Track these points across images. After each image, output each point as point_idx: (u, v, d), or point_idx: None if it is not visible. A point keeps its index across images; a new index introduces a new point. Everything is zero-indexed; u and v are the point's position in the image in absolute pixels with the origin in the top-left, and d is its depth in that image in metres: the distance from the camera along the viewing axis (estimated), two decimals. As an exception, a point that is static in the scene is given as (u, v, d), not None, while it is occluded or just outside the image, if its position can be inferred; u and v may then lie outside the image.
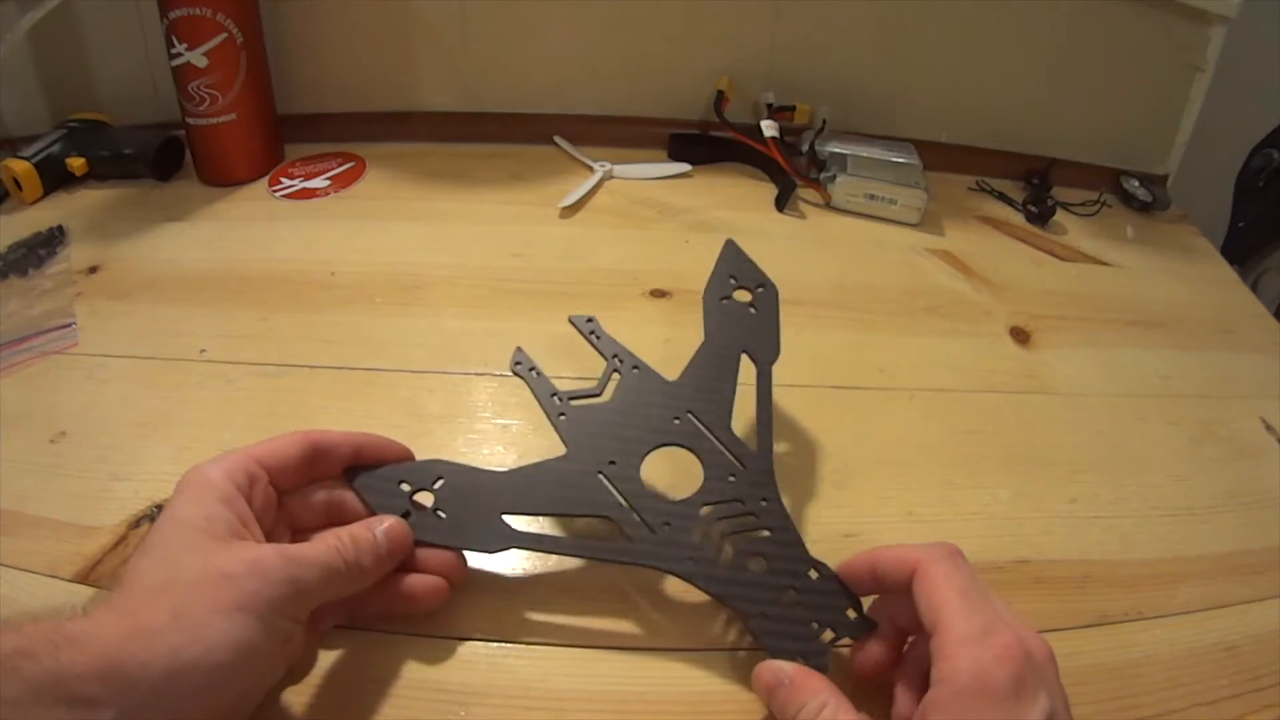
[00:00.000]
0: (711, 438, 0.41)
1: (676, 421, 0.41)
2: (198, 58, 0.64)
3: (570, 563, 0.41)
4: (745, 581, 0.37)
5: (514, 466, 0.40)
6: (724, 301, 0.46)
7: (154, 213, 0.66)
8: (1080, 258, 0.69)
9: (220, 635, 0.29)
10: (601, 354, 0.44)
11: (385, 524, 0.36)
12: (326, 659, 0.36)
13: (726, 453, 0.40)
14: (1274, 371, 0.59)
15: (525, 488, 0.39)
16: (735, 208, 0.71)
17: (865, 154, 0.72)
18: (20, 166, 0.65)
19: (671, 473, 0.41)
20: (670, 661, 0.37)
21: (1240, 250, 0.84)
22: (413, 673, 0.36)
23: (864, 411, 0.52)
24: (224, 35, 0.64)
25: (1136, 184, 0.77)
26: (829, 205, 0.72)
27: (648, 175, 0.74)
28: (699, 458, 0.40)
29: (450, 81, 0.77)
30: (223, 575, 0.30)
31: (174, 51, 0.64)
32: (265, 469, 0.36)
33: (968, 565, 0.33)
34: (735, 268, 0.47)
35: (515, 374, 0.43)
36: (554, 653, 0.38)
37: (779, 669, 0.34)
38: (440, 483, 0.39)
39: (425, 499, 0.38)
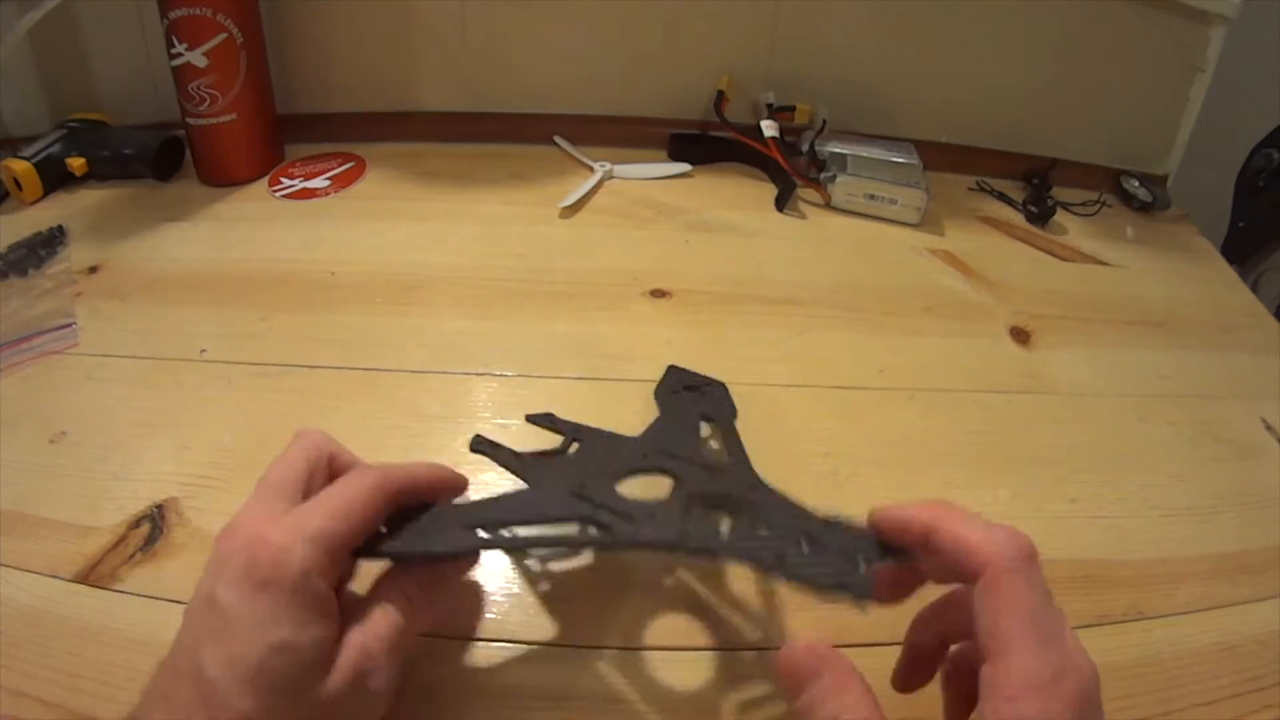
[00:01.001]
0: (684, 459, 0.38)
1: (645, 457, 0.39)
2: (198, 58, 0.64)
3: (571, 564, 0.41)
4: (750, 544, 0.32)
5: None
6: (674, 394, 0.48)
7: (154, 213, 0.66)
8: (1080, 258, 0.69)
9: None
10: (562, 433, 0.41)
11: None
12: (326, 659, 0.36)
13: (702, 467, 0.38)
14: (1274, 371, 0.59)
15: (493, 509, 0.36)
16: (735, 208, 0.71)
17: (865, 154, 0.72)
18: (20, 166, 0.65)
19: (650, 493, 0.39)
20: (671, 661, 0.37)
21: (1240, 250, 0.84)
22: (413, 673, 0.36)
23: (864, 411, 0.52)
24: (224, 35, 0.64)
25: (1136, 184, 0.77)
26: (829, 205, 0.72)
27: (648, 175, 0.74)
28: (674, 475, 0.38)
29: (450, 81, 0.77)
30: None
31: (174, 51, 0.64)
32: (344, 541, 0.30)
33: (1042, 575, 0.27)
34: (681, 379, 0.49)
35: (474, 450, 0.40)
36: (554, 653, 0.38)
37: (820, 656, 0.28)
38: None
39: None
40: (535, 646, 0.38)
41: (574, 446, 0.41)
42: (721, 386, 0.49)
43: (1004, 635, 0.26)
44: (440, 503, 0.35)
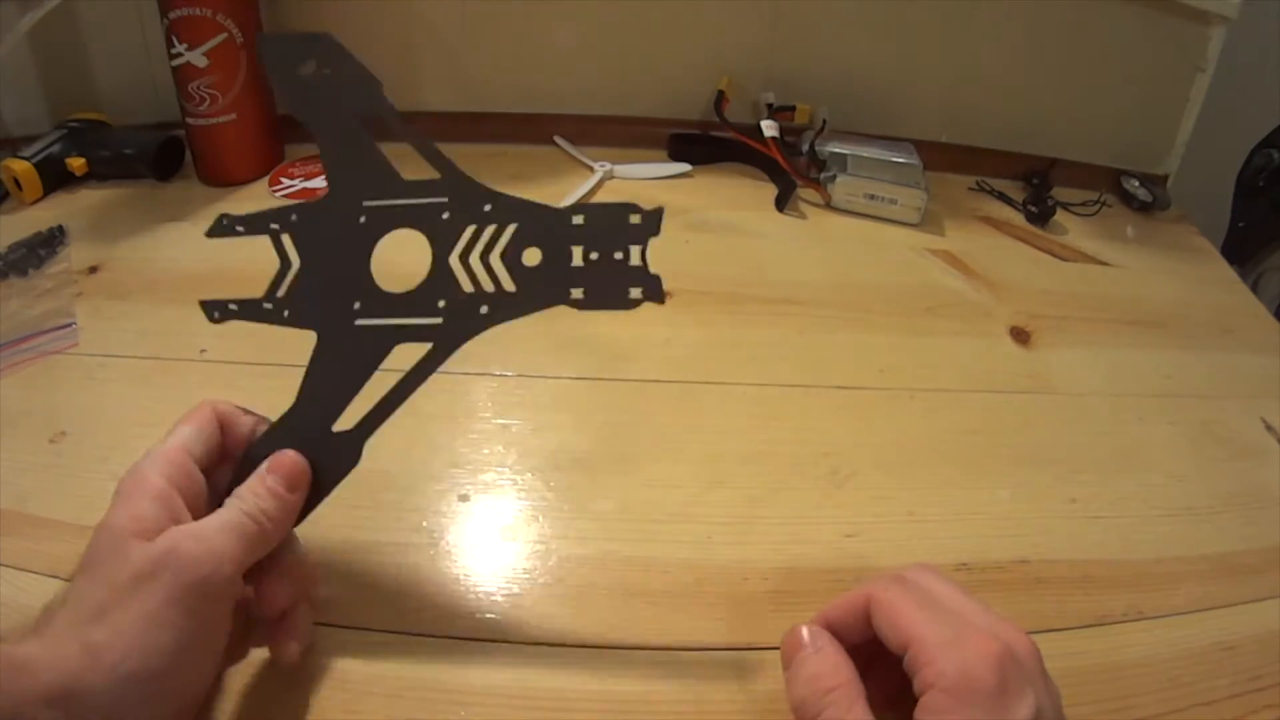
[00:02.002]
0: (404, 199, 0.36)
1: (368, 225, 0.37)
2: (198, 58, 0.64)
3: (570, 563, 0.41)
4: (537, 281, 0.33)
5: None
6: (288, 68, 0.39)
7: (154, 213, 0.66)
8: (1080, 258, 0.69)
9: (152, 641, 0.28)
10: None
11: (269, 463, 0.35)
12: (326, 659, 0.36)
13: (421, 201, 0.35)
14: (1274, 371, 0.59)
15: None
16: (735, 208, 0.71)
17: (865, 154, 0.72)
18: (20, 166, 0.65)
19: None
20: (670, 661, 0.37)
21: (1240, 250, 0.84)
22: (413, 673, 0.36)
23: (864, 411, 0.52)
24: (224, 35, 0.64)
25: (1136, 184, 0.77)
26: (829, 205, 0.72)
27: (648, 175, 0.74)
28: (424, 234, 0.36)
29: (450, 81, 0.77)
30: (140, 578, 0.29)
31: (174, 51, 0.64)
32: (193, 455, 0.35)
33: (919, 584, 0.33)
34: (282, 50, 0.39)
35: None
36: (554, 653, 0.38)
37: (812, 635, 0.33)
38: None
39: None
40: (535, 646, 0.38)
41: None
42: (335, 45, 0.40)
43: (902, 626, 0.31)
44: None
